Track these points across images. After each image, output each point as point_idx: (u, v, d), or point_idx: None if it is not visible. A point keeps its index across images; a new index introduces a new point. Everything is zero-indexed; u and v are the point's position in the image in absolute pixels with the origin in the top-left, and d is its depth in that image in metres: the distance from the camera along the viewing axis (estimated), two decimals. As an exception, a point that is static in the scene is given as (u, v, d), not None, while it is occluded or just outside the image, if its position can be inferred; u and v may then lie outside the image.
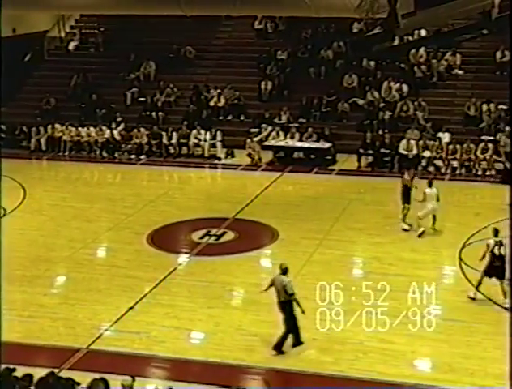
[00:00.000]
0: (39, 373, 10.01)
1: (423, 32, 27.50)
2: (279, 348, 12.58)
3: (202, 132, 26.28)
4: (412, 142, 24.13)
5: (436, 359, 12.46)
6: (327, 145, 25.17)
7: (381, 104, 26.55)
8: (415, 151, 23.98)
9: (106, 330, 13.54)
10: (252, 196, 21.62)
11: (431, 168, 23.70)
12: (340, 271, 15.56)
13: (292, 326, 12.54)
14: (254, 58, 29.74)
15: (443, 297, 14.10)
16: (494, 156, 23.40)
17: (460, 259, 16.10)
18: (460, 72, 27.60)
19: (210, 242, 18.05)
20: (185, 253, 17.52)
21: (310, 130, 25.72)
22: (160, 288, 15.29)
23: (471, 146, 23.64)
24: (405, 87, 26.86)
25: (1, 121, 27.13)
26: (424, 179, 18.83)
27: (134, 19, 28.82)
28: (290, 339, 12.67)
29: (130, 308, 14.30)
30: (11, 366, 9.90)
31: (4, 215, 19.35)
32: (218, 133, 26.18)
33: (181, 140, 26.40)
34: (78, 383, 9.91)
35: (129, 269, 16.31)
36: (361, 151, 24.62)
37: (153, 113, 28.22)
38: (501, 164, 23.22)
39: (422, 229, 17.78)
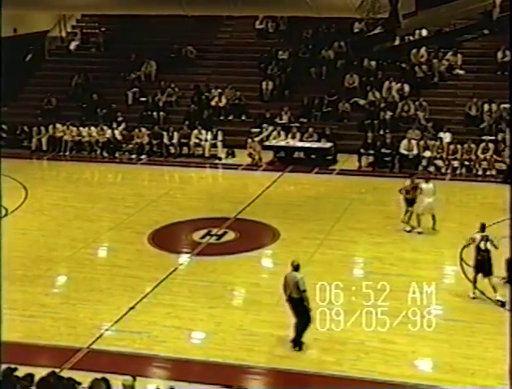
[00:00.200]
0: (40, 372, 10.01)
1: (424, 32, 27.51)
2: (299, 341, 12.61)
3: (203, 132, 26.29)
4: (413, 142, 24.15)
5: (437, 359, 12.45)
6: (328, 145, 25.17)
7: (382, 105, 26.56)
8: (415, 151, 24.00)
9: (107, 329, 13.54)
10: (253, 196, 21.63)
11: (431, 168, 23.69)
12: (341, 271, 15.55)
13: (306, 320, 12.53)
14: (255, 58, 29.75)
15: (444, 297, 14.11)
16: (495, 156, 23.40)
17: (461, 259, 16.09)
18: (461, 72, 27.61)
19: (211, 242, 18.06)
20: (186, 253, 17.52)
21: (311, 129, 25.73)
22: (161, 288, 15.29)
23: (472, 146, 23.64)
24: (406, 87, 26.86)
25: (2, 120, 27.15)
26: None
27: (135, 19, 28.87)
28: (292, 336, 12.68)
29: (131, 308, 14.29)
30: (13, 366, 9.90)
31: (5, 215, 19.37)
32: (219, 133, 26.18)
33: (182, 140, 26.41)
34: (80, 383, 9.91)
35: (130, 269, 16.31)
36: (362, 151, 24.62)
37: (154, 113, 28.23)
38: (503, 163, 23.21)
39: (421, 229, 17.89)
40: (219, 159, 25.96)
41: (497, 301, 14.07)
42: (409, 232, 18.07)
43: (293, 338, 12.68)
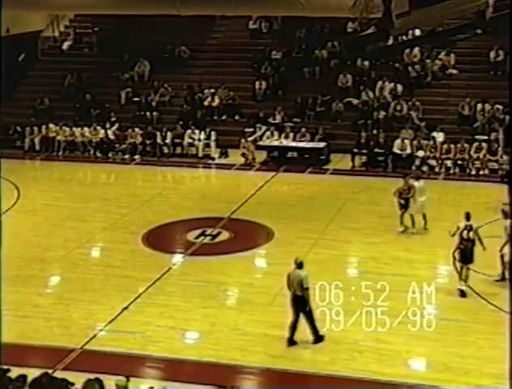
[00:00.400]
0: (33, 373, 9.96)
1: (417, 32, 27.54)
2: (318, 336, 12.66)
3: (197, 132, 26.26)
4: (406, 141, 24.18)
5: (431, 358, 12.46)
6: (321, 145, 25.18)
7: (376, 104, 26.58)
8: (409, 151, 24.02)
9: (101, 330, 13.50)
10: (246, 196, 21.61)
11: (425, 168, 23.71)
12: (336, 270, 15.55)
13: (310, 317, 12.57)
14: (249, 58, 29.74)
15: (438, 297, 14.03)
16: (488, 156, 23.44)
17: (454, 259, 16.07)
18: (454, 72, 27.64)
19: (205, 242, 18.04)
20: (180, 253, 17.50)
21: (304, 129, 25.72)
22: (155, 288, 15.26)
23: (465, 145, 23.68)
24: (399, 87, 26.89)
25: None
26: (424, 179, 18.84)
27: (129, 19, 28.79)
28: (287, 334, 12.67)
29: (125, 308, 14.26)
30: (5, 367, 9.86)
31: (-2, 215, 19.28)
32: (212, 133, 26.16)
33: (176, 140, 26.39)
34: (73, 384, 9.86)
35: (124, 269, 16.28)
36: (355, 150, 24.63)
37: (147, 113, 28.19)
38: (496, 163, 23.26)
39: (415, 230, 17.92)
40: (213, 159, 25.94)
41: (459, 289, 14.42)
42: (403, 232, 18.07)
43: (289, 337, 12.69)
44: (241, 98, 28.34)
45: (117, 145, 26.64)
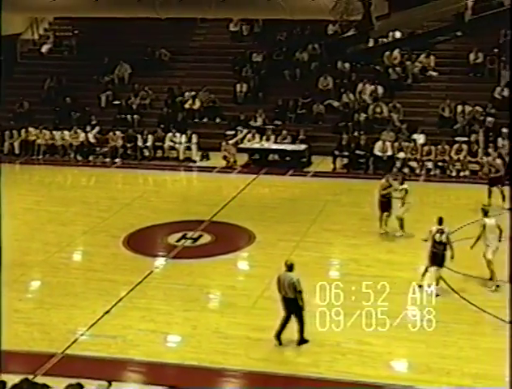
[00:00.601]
0: (13, 380, 9.86)
1: (397, 34, 27.71)
2: (303, 338, 12.73)
3: (178, 135, 26.19)
4: (387, 143, 24.26)
5: (413, 359, 12.49)
6: (302, 147, 25.20)
7: (357, 106, 26.64)
8: (390, 153, 24.10)
9: (82, 334, 13.41)
10: (228, 198, 21.58)
11: (406, 170, 23.79)
12: (318, 272, 15.52)
13: (301, 319, 12.64)
14: (229, 61, 29.74)
15: (420, 298, 14.09)
16: (468, 157, 23.56)
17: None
18: (434, 74, 27.77)
19: (186, 245, 17.98)
20: (162, 256, 17.43)
21: (285, 132, 25.74)
22: (137, 292, 15.19)
23: (446, 147, 23.78)
24: (380, 89, 26.97)
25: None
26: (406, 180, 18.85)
27: (109, 22, 28.68)
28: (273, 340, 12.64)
29: (106, 312, 14.18)
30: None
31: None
32: (193, 135, 26.10)
33: (157, 143, 26.32)
34: (54, 389, 9.80)
35: (105, 273, 16.20)
36: (337, 152, 24.68)
37: (128, 116, 28.09)
38: (477, 164, 23.39)
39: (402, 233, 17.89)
40: (194, 162, 25.88)
41: (434, 292, 14.24)
42: (382, 234, 18.01)
43: (278, 331, 12.74)
44: (221, 101, 28.31)
45: (97, 148, 26.54)
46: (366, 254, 16.92)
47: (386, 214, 18.04)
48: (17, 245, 18.03)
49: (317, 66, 28.50)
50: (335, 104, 27.14)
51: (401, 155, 24.06)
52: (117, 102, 28.87)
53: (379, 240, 17.86)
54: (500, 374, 11.89)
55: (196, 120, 27.90)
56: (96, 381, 9.96)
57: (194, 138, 26.05)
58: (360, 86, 27.12)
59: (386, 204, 17.98)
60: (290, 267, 12.68)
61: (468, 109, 25.44)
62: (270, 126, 26.54)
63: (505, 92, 25.86)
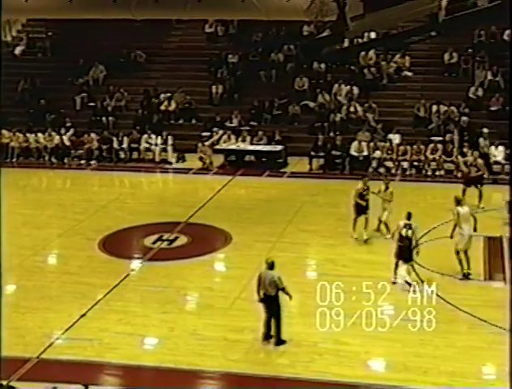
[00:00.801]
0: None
1: (372, 35, 27.83)
2: (280, 339, 12.70)
3: (153, 136, 26.10)
4: (363, 144, 24.34)
5: (390, 358, 12.52)
6: (279, 148, 25.21)
7: (332, 107, 26.70)
8: (366, 153, 24.18)
9: (57, 338, 13.29)
10: (204, 200, 21.53)
11: (381, 170, 23.89)
12: (294, 273, 15.52)
13: (278, 318, 12.64)
14: (205, 62, 29.70)
15: (396, 297, 14.16)
16: (443, 157, 23.70)
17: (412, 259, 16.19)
18: (409, 74, 27.92)
19: (162, 247, 17.91)
20: (138, 258, 17.35)
21: (261, 133, 25.74)
22: (113, 295, 15.09)
23: (421, 147, 23.92)
24: (355, 90, 27.05)
25: None
26: (377, 180, 18.88)
27: (83, 24, 28.51)
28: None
29: (83, 315, 14.07)
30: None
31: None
32: (169, 137, 26.02)
33: (132, 145, 26.22)
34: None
35: (81, 275, 16.08)
36: (313, 153, 24.72)
37: (103, 118, 27.96)
38: (452, 164, 23.55)
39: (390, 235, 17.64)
40: (170, 163, 25.81)
41: (393, 283, 14.77)
42: (356, 239, 17.80)
43: (265, 333, 12.76)
44: (197, 102, 28.26)
45: (72, 151, 26.39)
46: (343, 255, 16.95)
47: (365, 217, 17.63)
48: (-9, 248, 17.86)
49: (293, 66, 28.55)
50: (311, 104, 27.19)
51: (377, 153, 24.13)
52: (92, 104, 28.72)
53: (355, 240, 17.87)
54: (476, 371, 12.00)
55: (172, 121, 27.84)
56: (73, 385, 9.87)
57: (170, 140, 25.97)
58: (335, 86, 27.18)
59: (363, 207, 17.56)
60: (271, 265, 12.70)
61: (443, 108, 25.61)
62: (246, 127, 26.55)
63: (480, 92, 26.08)
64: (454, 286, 14.89)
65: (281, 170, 24.67)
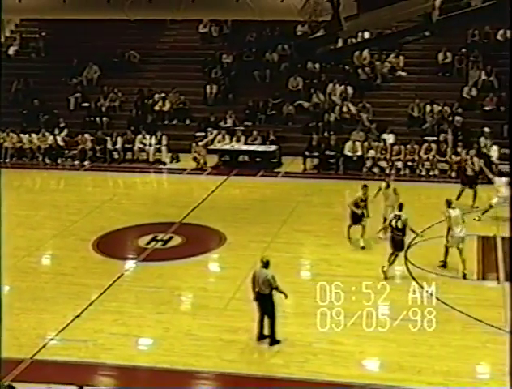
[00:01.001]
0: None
1: (366, 35, 27.84)
2: (274, 339, 12.70)
3: (147, 137, 26.08)
4: (357, 143, 24.36)
5: (384, 358, 12.53)
6: (273, 148, 25.21)
7: (326, 107, 26.71)
8: (360, 153, 24.20)
9: (52, 339, 13.26)
10: (198, 200, 21.51)
11: (375, 170, 23.92)
12: (289, 273, 15.53)
13: (272, 318, 12.64)
14: (199, 62, 29.69)
15: (391, 297, 14.16)
16: (437, 157, 23.74)
17: (406, 259, 16.24)
18: (403, 74, 27.96)
19: (157, 247, 17.88)
20: (132, 259, 17.32)
21: (255, 133, 25.74)
22: (108, 295, 15.07)
23: (415, 147, 23.95)
24: (349, 89, 27.07)
25: None
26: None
27: (77, 24, 28.47)
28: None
29: (77, 316, 14.05)
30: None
31: None
32: (163, 137, 26.00)
33: (126, 145, 26.19)
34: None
35: (75, 276, 16.05)
36: (307, 153, 24.74)
37: (97, 119, 27.92)
38: (446, 164, 23.58)
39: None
40: (164, 163, 25.78)
41: (384, 272, 15.12)
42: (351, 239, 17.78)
43: (259, 332, 12.76)
44: (191, 102, 28.24)
45: (66, 151, 26.34)
46: (337, 254, 16.96)
47: (362, 225, 17.23)
48: (-15, 249, 17.82)
49: (287, 66, 28.56)
50: (305, 104, 27.20)
51: (371, 153, 24.15)
52: (85, 104, 28.68)
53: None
54: (470, 371, 12.02)
55: (166, 122, 27.82)
56: (67, 386, 9.85)
57: (164, 140, 25.96)
58: (330, 86, 27.20)
59: (358, 216, 17.24)
60: (266, 264, 12.71)
61: (437, 108, 25.66)
62: (241, 127, 26.54)
63: (474, 92, 26.13)
64: (448, 286, 14.91)
65: (275, 170, 24.67)
